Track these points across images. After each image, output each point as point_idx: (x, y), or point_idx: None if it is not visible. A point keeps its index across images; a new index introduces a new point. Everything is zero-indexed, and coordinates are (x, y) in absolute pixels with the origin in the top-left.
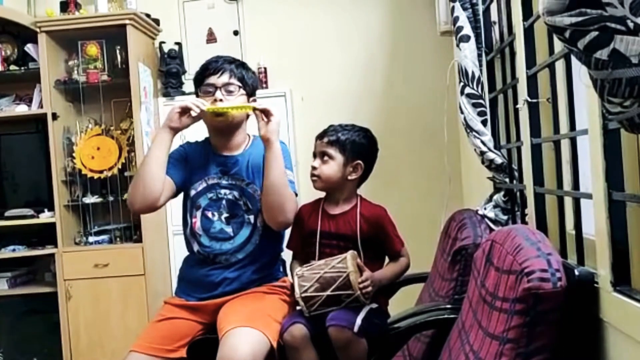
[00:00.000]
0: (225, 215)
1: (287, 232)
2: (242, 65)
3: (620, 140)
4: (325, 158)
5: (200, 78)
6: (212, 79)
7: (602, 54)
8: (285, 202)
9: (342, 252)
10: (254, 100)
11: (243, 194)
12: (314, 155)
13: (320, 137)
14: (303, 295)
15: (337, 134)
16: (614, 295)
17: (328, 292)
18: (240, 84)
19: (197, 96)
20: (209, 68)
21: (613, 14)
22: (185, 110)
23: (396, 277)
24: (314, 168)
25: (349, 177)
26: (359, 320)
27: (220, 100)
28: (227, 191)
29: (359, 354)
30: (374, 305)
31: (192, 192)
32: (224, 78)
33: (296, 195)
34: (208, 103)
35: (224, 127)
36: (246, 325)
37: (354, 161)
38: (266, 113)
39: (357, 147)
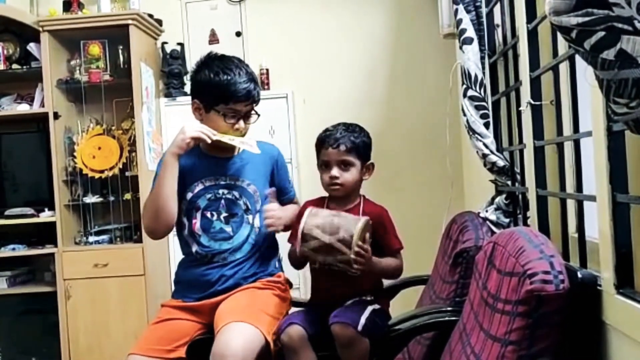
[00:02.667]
0: (224, 214)
1: None
2: (257, 82)
3: (624, 142)
4: (346, 166)
5: (224, 97)
6: (239, 106)
7: (609, 54)
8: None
9: None
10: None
11: (243, 194)
12: (326, 165)
13: (332, 146)
14: (305, 231)
15: (348, 139)
16: (617, 297)
17: (327, 238)
18: (255, 109)
19: (203, 102)
20: (238, 90)
21: (620, 14)
22: (196, 140)
23: (389, 270)
24: (334, 177)
25: (364, 178)
26: (363, 320)
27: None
28: (226, 191)
29: (361, 353)
30: (377, 306)
31: (189, 195)
32: (249, 106)
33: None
34: (216, 132)
35: (226, 148)
36: (238, 320)
37: (367, 162)
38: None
39: (368, 148)
